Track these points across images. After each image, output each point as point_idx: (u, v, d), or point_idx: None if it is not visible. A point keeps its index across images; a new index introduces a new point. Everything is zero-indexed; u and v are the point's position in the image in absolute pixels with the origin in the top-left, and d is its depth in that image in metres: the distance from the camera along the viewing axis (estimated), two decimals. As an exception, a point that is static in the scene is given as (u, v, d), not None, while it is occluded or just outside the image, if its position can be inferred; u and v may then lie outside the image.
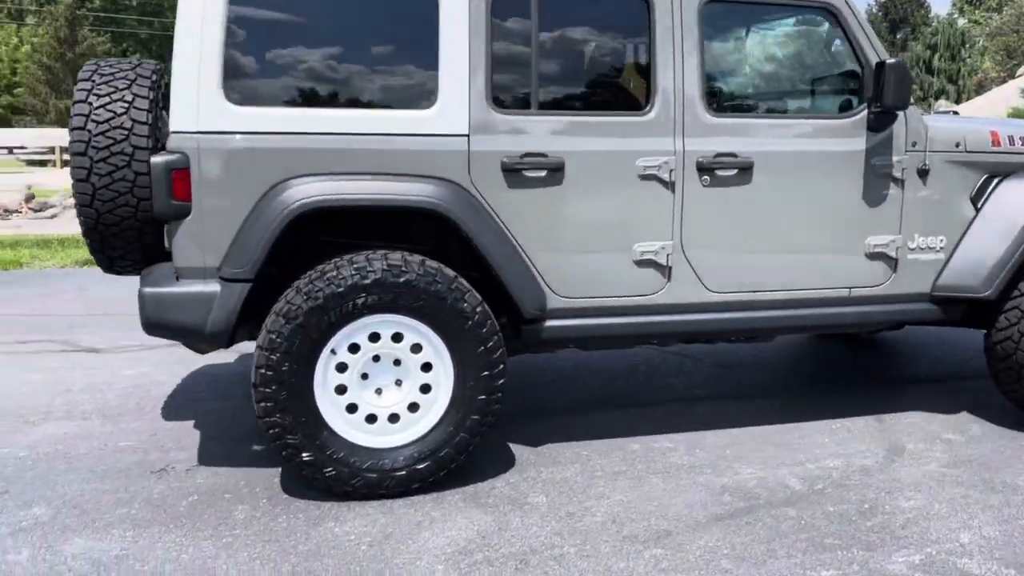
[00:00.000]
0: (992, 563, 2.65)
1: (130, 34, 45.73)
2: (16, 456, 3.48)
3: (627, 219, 3.32)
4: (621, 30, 3.46)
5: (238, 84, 2.97)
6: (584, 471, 3.34)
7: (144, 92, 3.11)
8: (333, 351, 2.99)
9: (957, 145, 3.67)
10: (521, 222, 3.19)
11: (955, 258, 3.68)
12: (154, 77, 3.21)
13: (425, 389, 3.10)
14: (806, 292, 3.56)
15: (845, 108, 3.61)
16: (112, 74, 3.15)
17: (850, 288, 3.61)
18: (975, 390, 4.35)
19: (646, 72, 3.33)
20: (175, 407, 4.12)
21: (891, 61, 3.38)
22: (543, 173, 3.19)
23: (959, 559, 2.67)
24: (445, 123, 3.10)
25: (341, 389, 3.03)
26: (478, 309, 3.05)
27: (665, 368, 4.84)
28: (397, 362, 3.08)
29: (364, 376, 3.06)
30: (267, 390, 2.90)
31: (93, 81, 3.12)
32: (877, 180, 3.55)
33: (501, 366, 3.10)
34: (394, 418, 3.09)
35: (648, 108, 3.30)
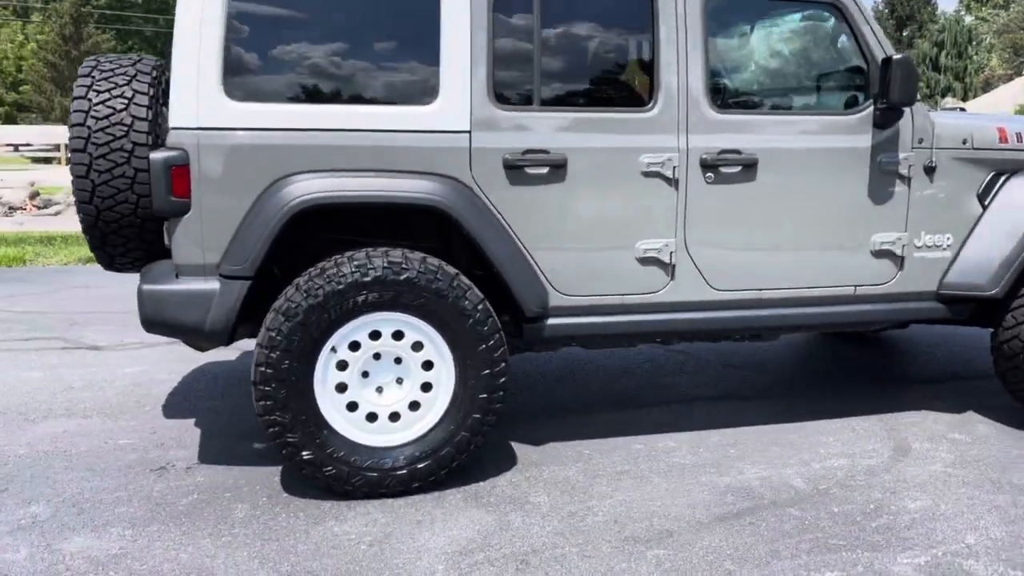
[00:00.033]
0: (999, 564, 2.62)
1: (135, 31, 45.80)
2: (16, 454, 3.47)
3: (630, 216, 3.29)
4: (624, 25, 3.42)
5: (238, 80, 2.95)
6: (586, 470, 3.31)
7: (144, 88, 3.09)
8: (333, 349, 2.97)
9: (964, 142, 3.63)
10: (523, 219, 3.17)
11: (962, 256, 3.65)
12: (154, 73, 3.19)
13: (426, 387, 3.08)
14: (811, 290, 3.53)
15: (851, 104, 3.57)
16: (112, 70, 3.14)
17: (855, 286, 3.57)
18: (981, 390, 4.32)
19: (649, 68, 3.30)
20: (175, 405, 4.10)
21: (897, 57, 3.34)
22: (545, 170, 3.17)
23: (965, 560, 2.64)
24: (446, 119, 3.07)
25: (341, 387, 3.01)
26: (479, 307, 3.02)
27: (668, 367, 4.81)
28: (398, 360, 3.06)
29: (365, 374, 3.04)
30: (267, 388, 2.88)
31: (93, 77, 3.10)
32: (883, 177, 3.51)
33: (503, 364, 3.08)
34: (395, 416, 3.07)
35: (651, 104, 3.27)
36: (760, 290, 3.47)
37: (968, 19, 41.65)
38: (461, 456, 3.09)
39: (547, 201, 3.19)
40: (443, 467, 3.07)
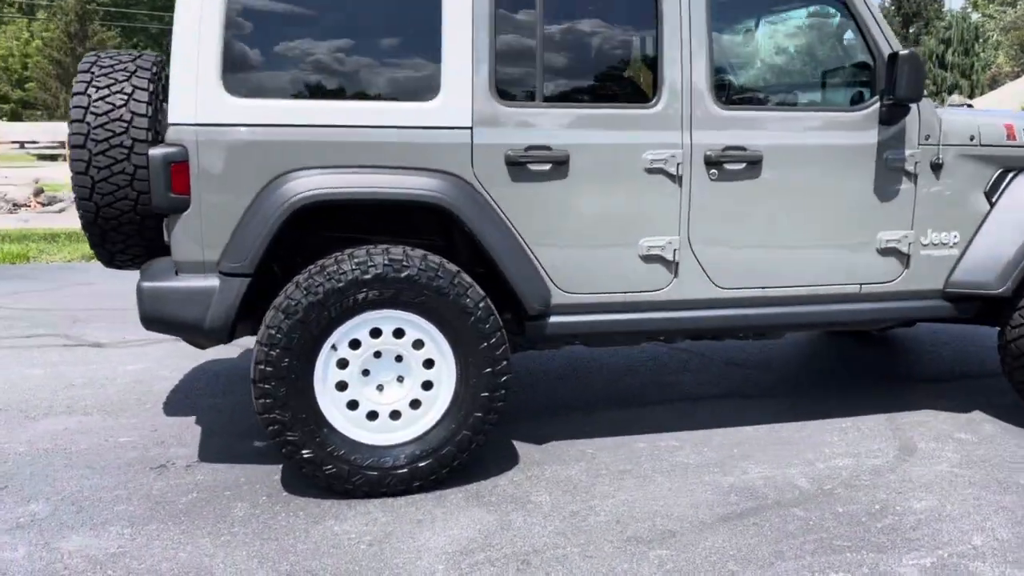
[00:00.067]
0: (1005, 566, 2.59)
1: (141, 29, 45.85)
2: (16, 451, 3.46)
3: (633, 213, 3.26)
4: (628, 20, 3.39)
5: (238, 75, 2.93)
6: (589, 469, 3.29)
7: (144, 84, 3.07)
8: (334, 347, 2.94)
9: (971, 138, 3.60)
10: (525, 216, 3.14)
11: (969, 254, 3.61)
12: (154, 69, 3.17)
13: (427, 386, 3.06)
14: (816, 288, 3.49)
15: (857, 101, 3.54)
16: (111, 66, 3.12)
17: (861, 284, 3.54)
18: (988, 389, 4.28)
19: (653, 63, 3.27)
20: (176, 402, 4.09)
21: (904, 52, 3.31)
22: (547, 167, 3.14)
23: (971, 562, 2.61)
24: (448, 115, 3.05)
25: (342, 385, 2.98)
26: (481, 304, 3.00)
27: (672, 365, 4.79)
28: (399, 358, 3.03)
29: (365, 372, 3.01)
30: (266, 386, 2.86)
31: (92, 73, 3.08)
32: (889, 174, 3.48)
33: (504, 362, 3.05)
34: (396, 415, 3.05)
35: (655, 100, 3.24)
36: (764, 288, 3.44)
37: (975, 16, 41.48)
38: (462, 455, 3.07)
39: (549, 198, 3.16)
40: (444, 466, 3.05)
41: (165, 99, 3.10)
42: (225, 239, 2.92)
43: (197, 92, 2.88)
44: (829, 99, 3.83)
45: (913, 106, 3.45)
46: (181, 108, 2.88)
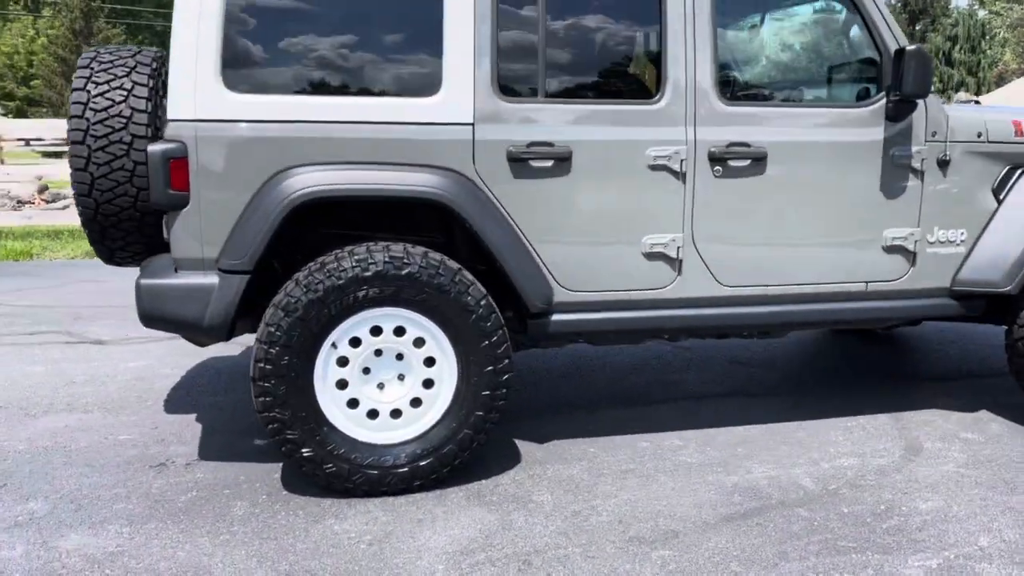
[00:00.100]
0: (1012, 568, 2.55)
1: (146, 26, 45.88)
2: (15, 449, 3.44)
3: (636, 210, 3.23)
4: (631, 15, 3.35)
5: (237, 71, 2.90)
6: (591, 469, 3.26)
7: (143, 80, 3.05)
8: (334, 345, 2.92)
9: (979, 135, 3.56)
10: (527, 213, 3.11)
11: (976, 252, 3.58)
12: (154, 64, 3.15)
13: (428, 384, 3.03)
14: (821, 286, 3.46)
15: (863, 97, 3.50)
16: (111, 61, 3.10)
17: (867, 282, 3.51)
18: (995, 388, 4.24)
19: (657, 59, 3.24)
20: (177, 400, 4.07)
21: (911, 48, 3.26)
22: (550, 163, 3.11)
23: (978, 563, 2.58)
24: (449, 111, 3.02)
25: (342, 384, 2.96)
26: (482, 302, 2.97)
27: (675, 364, 4.76)
28: (400, 356, 3.01)
29: (366, 371, 2.99)
30: (266, 384, 2.84)
31: (92, 68, 3.06)
32: (895, 171, 3.44)
33: (506, 361, 3.03)
34: (396, 414, 3.02)
35: (658, 96, 3.21)
36: (769, 286, 3.41)
37: (981, 13, 41.28)
38: (463, 454, 3.05)
39: (552, 195, 3.13)
40: (445, 465, 3.03)
41: (165, 95, 3.07)
42: (224, 236, 2.89)
43: (196, 88, 2.85)
44: (835, 95, 3.79)
45: (920, 102, 3.41)
46: (180, 104, 2.86)
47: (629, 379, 4.47)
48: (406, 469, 2.99)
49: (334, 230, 3.15)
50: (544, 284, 3.16)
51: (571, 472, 3.23)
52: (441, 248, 3.10)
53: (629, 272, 3.26)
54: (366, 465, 2.96)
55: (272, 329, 2.83)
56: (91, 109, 2.97)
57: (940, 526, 2.82)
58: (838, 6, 3.56)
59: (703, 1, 3.20)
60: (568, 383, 4.40)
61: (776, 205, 3.35)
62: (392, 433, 3.01)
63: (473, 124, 3.03)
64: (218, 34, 2.85)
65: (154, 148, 2.84)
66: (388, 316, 2.95)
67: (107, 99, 2.99)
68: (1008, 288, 3.49)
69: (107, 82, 3.02)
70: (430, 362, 3.02)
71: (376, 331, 2.96)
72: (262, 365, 2.83)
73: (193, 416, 3.83)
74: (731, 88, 3.44)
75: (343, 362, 2.94)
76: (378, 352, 2.98)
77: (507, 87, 3.09)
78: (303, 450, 2.90)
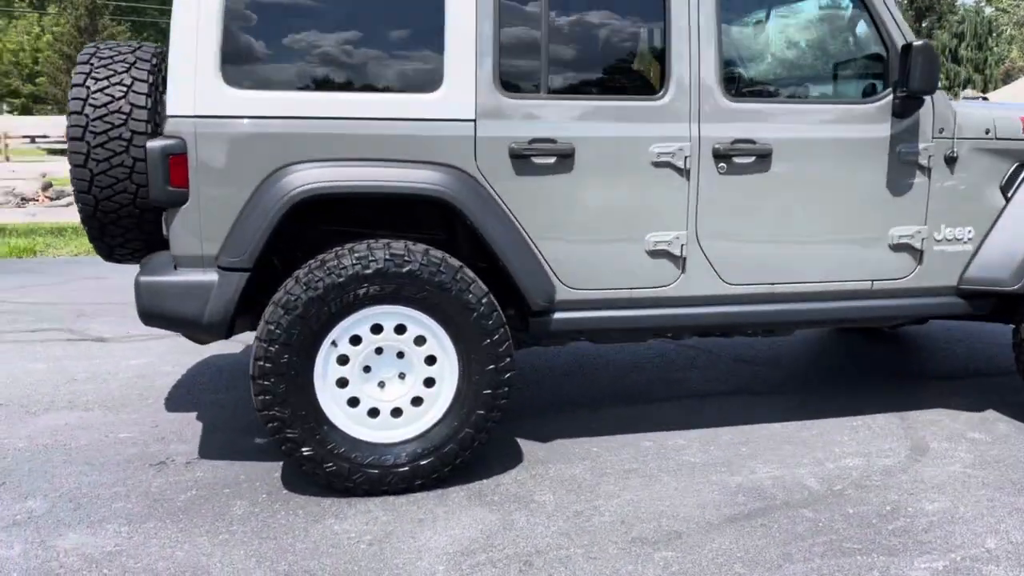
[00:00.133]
0: (1020, 570, 2.52)
1: (151, 23, 45.91)
2: (15, 447, 3.43)
3: (640, 208, 3.20)
4: (635, 11, 3.32)
5: (237, 67, 2.88)
6: (593, 468, 3.23)
7: (143, 76, 3.03)
8: (334, 343, 2.90)
9: (986, 132, 3.52)
10: (529, 210, 3.08)
11: (983, 250, 3.54)
12: (154, 60, 3.12)
13: (429, 383, 3.01)
14: (826, 285, 3.43)
15: (869, 93, 3.46)
16: (111, 57, 3.07)
17: (873, 281, 3.47)
18: (1002, 387, 4.20)
19: (660, 55, 3.21)
20: (178, 398, 4.05)
21: (918, 43, 3.23)
22: (552, 160, 3.08)
23: (985, 565, 2.55)
24: (451, 107, 2.99)
25: (342, 382, 2.94)
26: (483, 300, 2.95)
27: (679, 362, 4.72)
28: (400, 355, 2.98)
29: (366, 369, 2.97)
30: (266, 383, 2.82)
31: (91, 64, 3.04)
32: (902, 168, 3.41)
33: (508, 359, 3.00)
34: (397, 412, 3.00)
35: (662, 92, 3.17)
36: (773, 284, 3.37)
37: (988, 10, 41.09)
38: (465, 453, 3.02)
39: (554, 192, 3.10)
40: (446, 464, 3.00)
41: (165, 91, 3.05)
42: (224, 233, 2.87)
43: (196, 84, 2.83)
44: (841, 91, 3.75)
45: (927, 99, 3.37)
46: (180, 100, 2.84)
47: (632, 377, 4.45)
48: (407, 468, 2.97)
49: (335, 227, 3.12)
50: (546, 282, 3.13)
51: (573, 472, 3.21)
52: (442, 245, 3.08)
53: (632, 270, 3.23)
54: (366, 464, 2.93)
55: (272, 327, 2.81)
56: (90, 105, 2.95)
57: (946, 527, 2.78)
58: (844, 1, 3.52)
59: (708, -4, 3.16)
60: (570, 381, 4.37)
61: (781, 202, 3.32)
62: (393, 432, 2.99)
63: (475, 120, 3.00)
64: (218, 29, 2.83)
65: (153, 144, 2.82)
66: (389, 314, 2.92)
67: (106, 95, 2.96)
68: (1016, 287, 3.45)
69: (106, 78, 3.00)
70: (431, 360, 2.99)
71: (377, 329, 2.93)
72: (262, 363, 2.81)
73: (194, 414, 3.82)
74: (736, 84, 3.40)
75: (343, 360, 2.92)
76: (379, 350, 2.96)
77: (509, 83, 3.07)
78: (303, 449, 2.88)
